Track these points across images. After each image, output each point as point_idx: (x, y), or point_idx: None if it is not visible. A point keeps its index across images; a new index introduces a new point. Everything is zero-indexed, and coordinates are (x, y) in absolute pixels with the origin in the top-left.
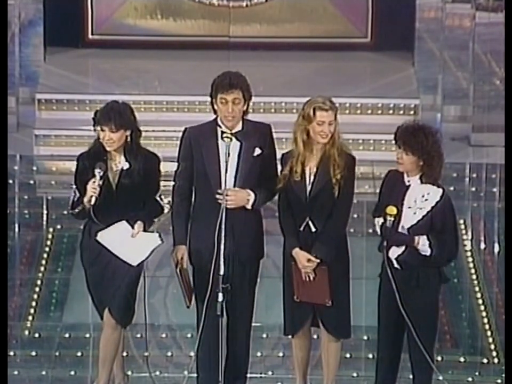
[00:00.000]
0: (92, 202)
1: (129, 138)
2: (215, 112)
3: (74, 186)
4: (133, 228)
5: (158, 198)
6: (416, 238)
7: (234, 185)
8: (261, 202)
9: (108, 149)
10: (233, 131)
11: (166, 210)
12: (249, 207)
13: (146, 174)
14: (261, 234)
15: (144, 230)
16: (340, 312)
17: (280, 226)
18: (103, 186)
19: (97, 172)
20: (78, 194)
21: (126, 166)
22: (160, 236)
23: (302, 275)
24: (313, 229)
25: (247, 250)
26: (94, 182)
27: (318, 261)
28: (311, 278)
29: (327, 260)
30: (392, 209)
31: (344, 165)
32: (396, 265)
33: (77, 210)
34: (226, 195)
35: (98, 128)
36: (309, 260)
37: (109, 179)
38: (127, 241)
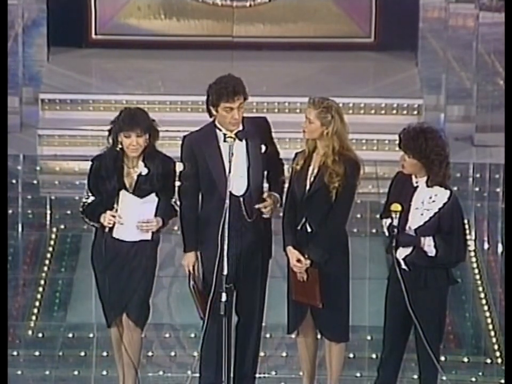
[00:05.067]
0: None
1: (147, 142)
2: (210, 116)
3: (86, 188)
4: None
5: (173, 203)
6: (422, 238)
7: (248, 185)
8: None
9: (132, 154)
10: (235, 132)
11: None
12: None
13: (164, 178)
14: (270, 233)
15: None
16: (334, 315)
17: (281, 223)
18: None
19: (116, 206)
20: (91, 197)
21: (144, 171)
22: None
23: (297, 275)
24: (309, 229)
25: (258, 249)
26: (113, 216)
27: (309, 262)
28: (304, 279)
29: (319, 262)
30: (396, 206)
31: (343, 172)
32: (403, 266)
33: (92, 224)
34: (264, 207)
35: (122, 135)
36: (298, 260)
37: (125, 185)
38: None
